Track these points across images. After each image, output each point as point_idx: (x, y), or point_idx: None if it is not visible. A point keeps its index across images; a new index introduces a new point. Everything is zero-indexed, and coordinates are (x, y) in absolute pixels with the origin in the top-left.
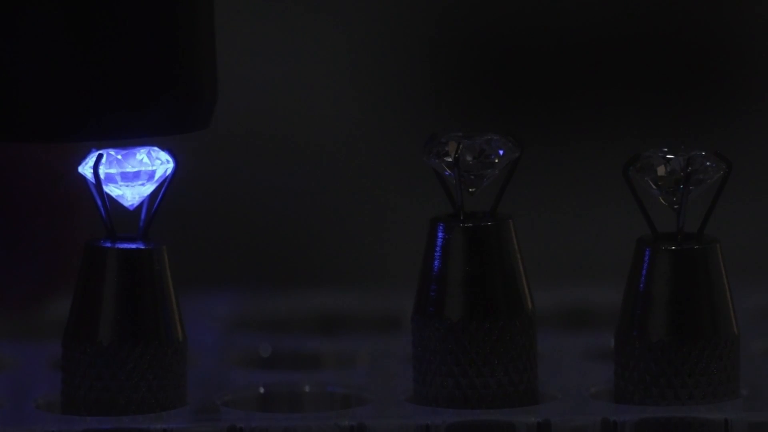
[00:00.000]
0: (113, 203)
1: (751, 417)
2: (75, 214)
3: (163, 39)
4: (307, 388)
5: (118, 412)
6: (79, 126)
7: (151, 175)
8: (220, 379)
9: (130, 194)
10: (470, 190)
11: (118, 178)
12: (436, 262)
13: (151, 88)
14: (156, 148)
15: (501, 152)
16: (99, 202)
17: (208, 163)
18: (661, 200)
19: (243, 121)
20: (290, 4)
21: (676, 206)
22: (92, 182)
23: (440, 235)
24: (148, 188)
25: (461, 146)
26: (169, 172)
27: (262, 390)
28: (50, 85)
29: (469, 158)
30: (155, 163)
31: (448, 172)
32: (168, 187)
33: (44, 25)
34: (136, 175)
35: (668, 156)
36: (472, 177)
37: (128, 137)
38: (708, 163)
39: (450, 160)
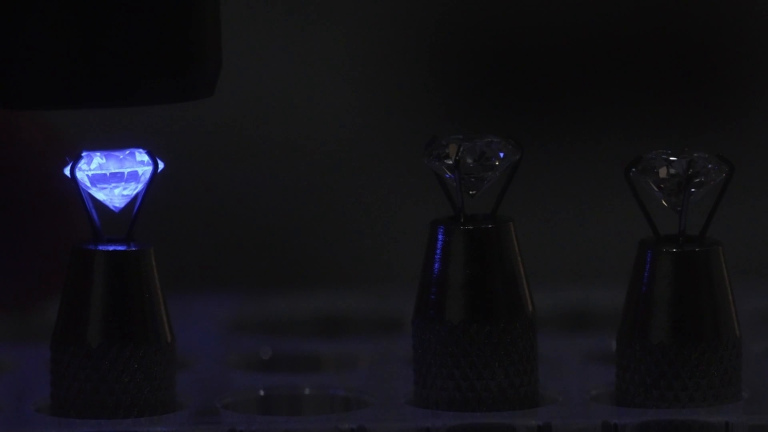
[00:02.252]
0: (102, 205)
1: (752, 420)
2: (71, 215)
3: (169, 6)
4: (307, 391)
5: (108, 414)
6: (84, 92)
7: (134, 176)
8: (220, 381)
9: (114, 197)
10: (471, 192)
11: (101, 180)
12: (436, 264)
13: (156, 55)
14: (140, 150)
15: (501, 155)
16: (84, 205)
17: (210, 165)
18: (663, 202)
19: (243, 121)
20: (290, 6)
21: (678, 208)
22: (80, 184)
23: (441, 237)
24: (132, 190)
25: (462, 149)
26: (150, 173)
27: (262, 392)
28: (55, 52)
29: (469, 161)
30: (138, 165)
31: (448, 174)
32: (153, 189)
33: None
34: (118, 177)
35: (670, 158)
36: (473, 179)
37: (133, 104)
38: (710, 166)
39: (450, 162)
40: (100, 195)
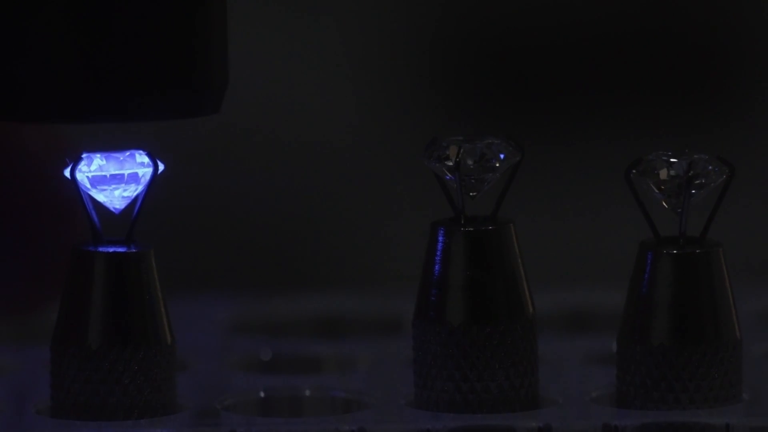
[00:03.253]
0: (102, 207)
1: (753, 422)
2: (71, 217)
3: (175, 23)
4: (307, 392)
5: (108, 416)
6: (88, 108)
7: (134, 178)
8: (220, 383)
9: (114, 198)
10: (471, 194)
11: (101, 181)
12: (436, 266)
13: (164, 73)
14: (140, 152)
15: (502, 156)
16: (84, 206)
17: (209, 166)
18: (664, 204)
19: (243, 123)
20: (290, 7)
21: (678, 210)
22: (80, 186)
23: (441, 239)
24: (132, 191)
25: (462, 150)
26: (150, 175)
27: (262, 394)
28: (59, 67)
29: (470, 162)
30: (138, 166)
31: (449, 176)
32: (153, 190)
33: (62, 7)
34: (118, 179)
35: (671, 159)
36: (473, 181)
37: (137, 120)
38: (710, 167)
39: (451, 164)
40: (100, 196)
